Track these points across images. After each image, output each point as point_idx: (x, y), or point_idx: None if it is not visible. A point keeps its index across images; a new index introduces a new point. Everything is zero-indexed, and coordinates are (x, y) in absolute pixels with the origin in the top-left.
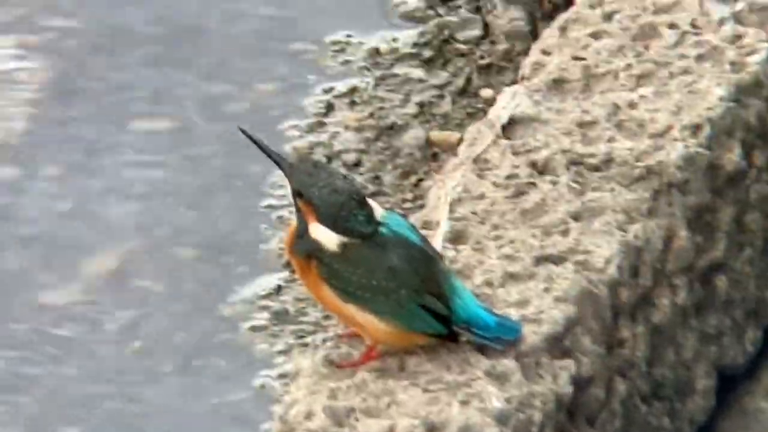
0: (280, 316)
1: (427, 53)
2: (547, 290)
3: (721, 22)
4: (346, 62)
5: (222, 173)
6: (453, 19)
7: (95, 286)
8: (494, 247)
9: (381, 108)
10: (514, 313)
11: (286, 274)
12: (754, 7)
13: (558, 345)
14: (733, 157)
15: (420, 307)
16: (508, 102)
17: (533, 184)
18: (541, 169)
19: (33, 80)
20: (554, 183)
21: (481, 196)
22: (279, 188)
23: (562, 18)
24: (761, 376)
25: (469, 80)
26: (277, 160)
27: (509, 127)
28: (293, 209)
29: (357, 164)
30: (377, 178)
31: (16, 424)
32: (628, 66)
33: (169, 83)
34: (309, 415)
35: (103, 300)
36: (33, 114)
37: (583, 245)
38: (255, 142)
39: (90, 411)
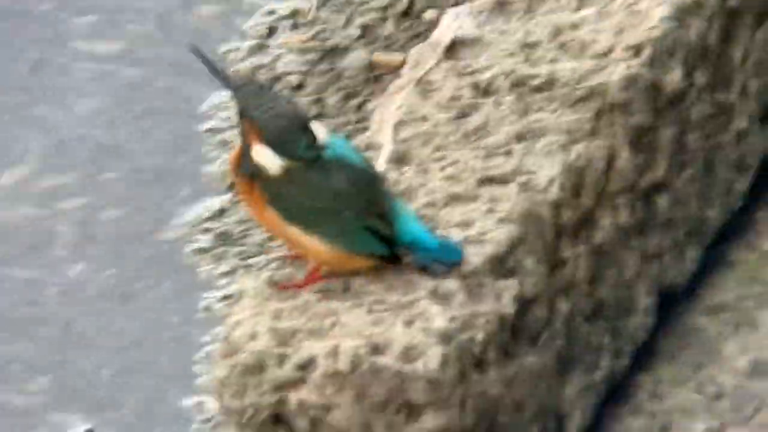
0: (224, 238)
1: None
2: (490, 211)
3: None
4: None
5: (164, 95)
6: None
7: (34, 206)
8: (437, 169)
9: (324, 30)
10: (457, 234)
11: (229, 196)
12: None
13: (501, 265)
14: (674, 77)
15: (363, 228)
16: (452, 23)
17: (476, 105)
18: (484, 90)
19: None
20: (497, 104)
21: (425, 118)
22: (221, 110)
23: None
24: (701, 294)
25: (412, 2)
26: (224, 81)
27: (452, 48)
28: (237, 131)
29: (300, 86)
30: (320, 100)
31: None
32: None
33: (113, 4)
34: (253, 336)
35: (46, 223)
36: None
37: (526, 166)
38: (204, 60)
39: (31, 336)
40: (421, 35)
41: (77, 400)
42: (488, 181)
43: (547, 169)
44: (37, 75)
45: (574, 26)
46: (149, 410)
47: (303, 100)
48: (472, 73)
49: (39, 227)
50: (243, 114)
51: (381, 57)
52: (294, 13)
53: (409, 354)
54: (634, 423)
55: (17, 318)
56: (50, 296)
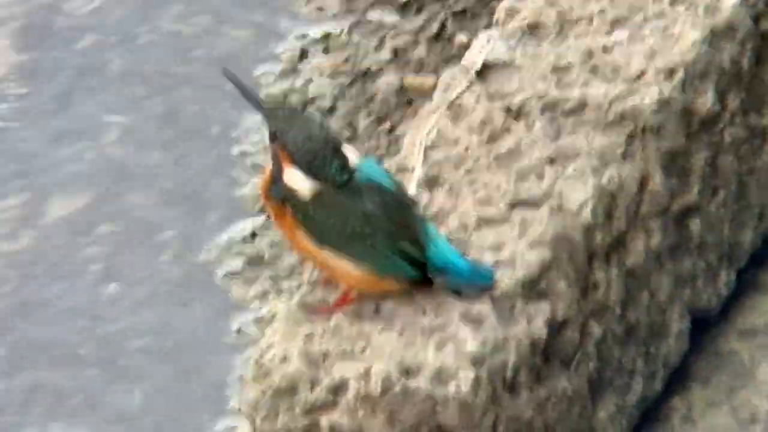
0: (256, 261)
1: None
2: (521, 234)
3: None
4: (320, 8)
5: (196, 119)
6: None
7: (68, 228)
8: (469, 192)
9: (355, 54)
10: (489, 258)
11: (261, 219)
12: None
13: (533, 288)
14: (706, 101)
15: (394, 252)
16: (483, 47)
17: (508, 129)
18: (515, 114)
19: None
20: (529, 128)
21: (456, 141)
22: (254, 134)
23: None
24: (734, 318)
25: (443, 25)
26: (257, 104)
27: (484, 72)
28: (269, 154)
29: (331, 110)
30: (351, 123)
31: None
32: (602, 11)
33: (142, 27)
34: (285, 359)
35: (76, 244)
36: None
37: (558, 189)
38: (236, 84)
39: (70, 352)
40: (453, 59)
41: (109, 423)
42: (520, 204)
43: (579, 193)
44: (70, 97)
45: (606, 49)
46: None
47: (334, 123)
48: (504, 96)
49: (71, 250)
50: (274, 137)
51: (412, 80)
52: (326, 37)
53: (440, 377)
54: None
55: (54, 344)
56: (84, 320)
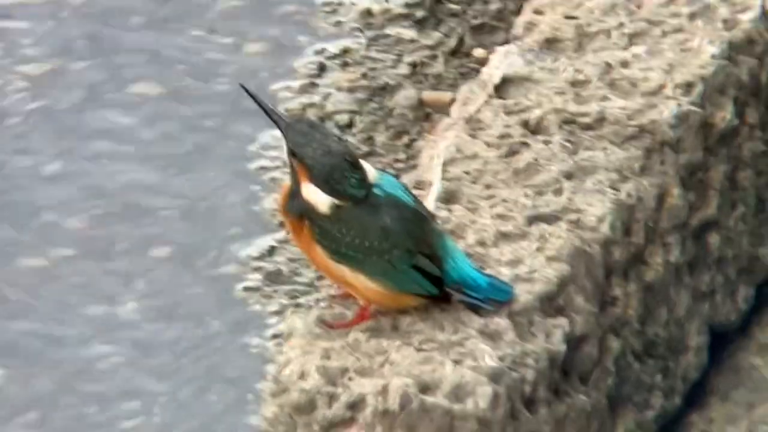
0: (274, 277)
1: (420, 13)
2: (539, 249)
3: None
4: (338, 23)
5: (214, 134)
6: None
7: (87, 245)
8: (487, 207)
9: (373, 69)
10: (506, 273)
11: (279, 234)
12: None
13: (551, 304)
14: (725, 115)
15: (412, 267)
16: (501, 62)
17: (526, 143)
18: (533, 128)
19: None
20: (547, 142)
21: (474, 156)
22: (271, 149)
23: None
24: (753, 332)
25: (461, 40)
26: (275, 119)
27: (502, 86)
28: (287, 169)
29: (350, 125)
30: (370, 138)
31: None
32: (621, 24)
33: (161, 45)
34: (303, 375)
35: (100, 262)
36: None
37: (576, 204)
38: (255, 99)
39: (92, 363)
40: (471, 73)
41: None
42: (538, 219)
43: (597, 207)
44: (87, 111)
45: (625, 64)
46: None
47: (352, 138)
48: (522, 111)
49: (89, 265)
50: (293, 152)
51: (430, 95)
52: (344, 52)
53: (458, 393)
54: None
55: (76, 349)
56: (101, 335)
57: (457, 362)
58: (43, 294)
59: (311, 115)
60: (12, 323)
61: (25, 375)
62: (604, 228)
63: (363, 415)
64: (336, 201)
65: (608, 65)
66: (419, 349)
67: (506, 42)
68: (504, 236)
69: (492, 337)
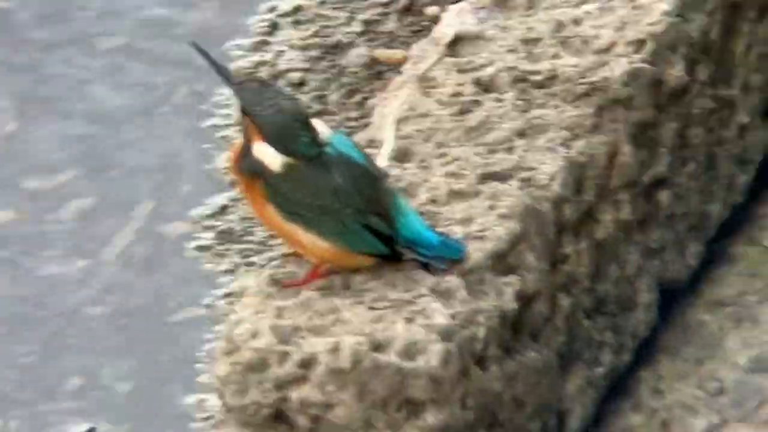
0: (226, 236)
1: None
2: (491, 207)
3: None
4: None
5: (166, 93)
6: None
7: (38, 205)
8: (439, 165)
9: (326, 26)
10: (458, 231)
11: (231, 193)
12: None
13: (502, 262)
14: (676, 72)
15: (364, 227)
16: (453, 20)
17: (478, 101)
18: (485, 86)
19: None
20: (499, 100)
21: (426, 114)
22: (223, 107)
23: None
24: (702, 290)
25: None
26: (226, 78)
27: (454, 44)
28: (239, 127)
29: (302, 83)
30: (322, 96)
31: None
32: None
33: (113, 3)
34: (255, 334)
35: (48, 218)
36: None
37: (528, 162)
38: (206, 57)
39: (37, 329)
40: (423, 31)
41: (78, 399)
42: (490, 177)
43: (548, 165)
44: (39, 70)
45: (576, 22)
46: (150, 408)
47: (305, 96)
48: (474, 69)
49: (38, 225)
50: (244, 111)
51: (383, 53)
52: (296, 10)
53: (410, 351)
54: (635, 419)
55: (23, 313)
56: (47, 294)
57: (408, 320)
58: None
59: (263, 73)
60: None
61: None
62: (556, 186)
63: (315, 374)
64: (288, 160)
65: (560, 23)
66: (371, 308)
67: (458, 0)
68: (456, 194)
69: (444, 295)
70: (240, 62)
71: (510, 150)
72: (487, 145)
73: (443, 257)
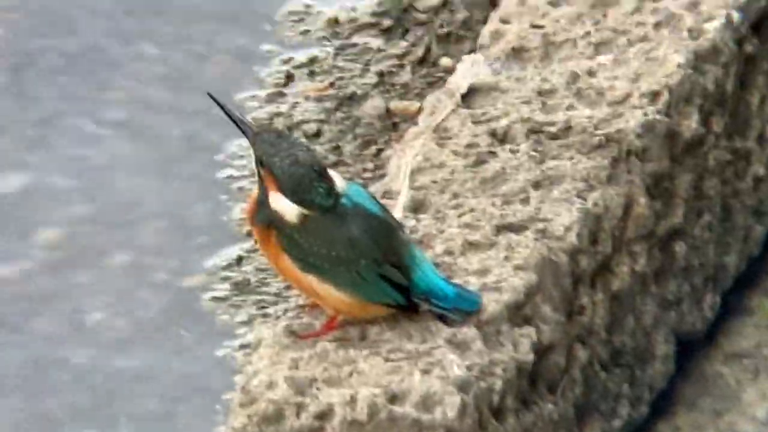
0: (242, 287)
1: (387, 22)
2: (507, 258)
3: None
4: (305, 32)
5: (181, 144)
6: None
7: (53, 256)
8: (454, 216)
9: (341, 78)
10: (474, 282)
11: (247, 244)
12: None
13: (518, 313)
14: (691, 123)
15: (380, 277)
16: (468, 71)
17: (493, 152)
18: (501, 137)
19: None
20: (514, 151)
21: (441, 165)
22: (239, 158)
23: None
24: (719, 341)
25: (428, 49)
26: (242, 128)
27: (469, 95)
28: (255, 178)
29: (317, 134)
30: (337, 147)
31: None
32: (587, 34)
33: (129, 54)
34: (271, 385)
35: (62, 270)
36: None
37: (543, 213)
38: (222, 107)
39: (50, 378)
40: (438, 83)
41: None
42: (505, 228)
43: (564, 217)
44: (54, 122)
45: (591, 73)
46: None
47: (320, 147)
48: (489, 120)
49: (56, 274)
50: (260, 161)
51: (398, 104)
52: (311, 61)
53: (426, 402)
54: None
55: (37, 370)
56: (69, 344)
57: (425, 372)
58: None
59: (279, 124)
60: None
61: None
62: (571, 237)
63: (331, 425)
64: (304, 210)
65: (575, 74)
66: (387, 359)
67: (473, 51)
68: (471, 246)
69: (460, 346)
70: (255, 113)
71: (525, 201)
72: (503, 196)
73: (459, 309)
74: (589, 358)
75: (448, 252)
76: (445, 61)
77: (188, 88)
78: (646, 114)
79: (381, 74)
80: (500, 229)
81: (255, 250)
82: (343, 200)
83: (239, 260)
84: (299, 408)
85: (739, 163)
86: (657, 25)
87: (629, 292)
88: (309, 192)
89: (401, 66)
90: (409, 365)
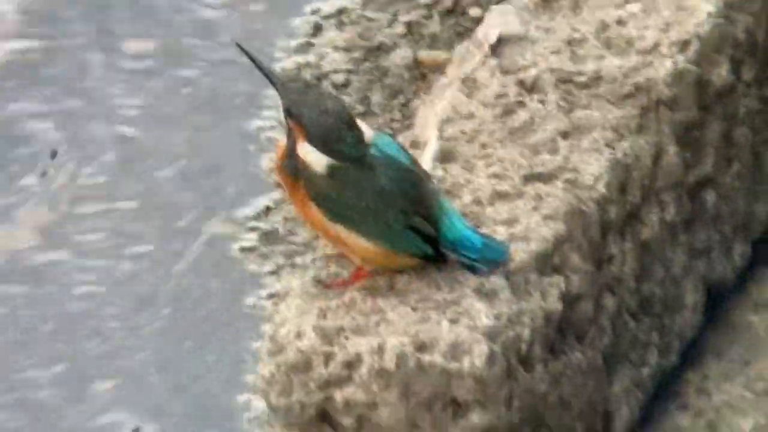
0: (270, 237)
1: None
2: (535, 208)
3: None
4: None
5: (210, 94)
6: None
7: (87, 202)
8: (483, 166)
9: (369, 28)
10: (502, 232)
11: (276, 194)
12: None
13: (547, 262)
14: (721, 72)
15: (408, 228)
16: (497, 21)
17: (522, 102)
18: (529, 87)
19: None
20: (543, 102)
21: (470, 116)
22: (268, 109)
23: None
24: (749, 290)
25: None
26: (271, 78)
27: (497, 46)
28: (283, 129)
29: (345, 85)
30: (366, 98)
31: None
32: None
33: (158, 4)
34: (299, 335)
35: (89, 221)
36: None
37: (572, 163)
38: (251, 58)
39: (77, 331)
40: (466, 33)
41: (125, 400)
42: (534, 178)
43: (593, 166)
44: (85, 72)
45: (620, 22)
46: (197, 408)
47: (348, 98)
48: (518, 70)
49: (90, 225)
50: (289, 112)
51: (426, 55)
52: (340, 11)
53: (454, 351)
54: (682, 420)
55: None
56: (99, 295)
57: (453, 321)
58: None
59: (307, 74)
60: None
61: None
62: (600, 186)
63: (359, 374)
64: (332, 161)
65: (604, 24)
66: (415, 309)
67: (502, 1)
68: (500, 195)
69: (488, 296)
70: (284, 63)
71: (554, 151)
72: (531, 147)
73: (487, 258)
74: (618, 308)
75: (476, 202)
76: (474, 11)
77: (217, 37)
78: (675, 63)
79: (409, 25)
80: (529, 178)
81: (283, 201)
82: (372, 150)
83: (268, 210)
84: (327, 357)
85: None
86: None
87: (658, 241)
88: (337, 142)
89: (430, 16)
90: (437, 314)
